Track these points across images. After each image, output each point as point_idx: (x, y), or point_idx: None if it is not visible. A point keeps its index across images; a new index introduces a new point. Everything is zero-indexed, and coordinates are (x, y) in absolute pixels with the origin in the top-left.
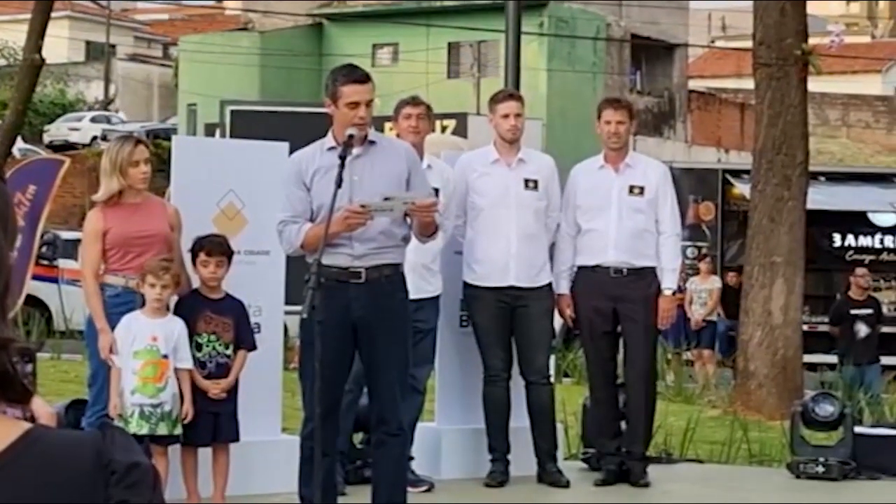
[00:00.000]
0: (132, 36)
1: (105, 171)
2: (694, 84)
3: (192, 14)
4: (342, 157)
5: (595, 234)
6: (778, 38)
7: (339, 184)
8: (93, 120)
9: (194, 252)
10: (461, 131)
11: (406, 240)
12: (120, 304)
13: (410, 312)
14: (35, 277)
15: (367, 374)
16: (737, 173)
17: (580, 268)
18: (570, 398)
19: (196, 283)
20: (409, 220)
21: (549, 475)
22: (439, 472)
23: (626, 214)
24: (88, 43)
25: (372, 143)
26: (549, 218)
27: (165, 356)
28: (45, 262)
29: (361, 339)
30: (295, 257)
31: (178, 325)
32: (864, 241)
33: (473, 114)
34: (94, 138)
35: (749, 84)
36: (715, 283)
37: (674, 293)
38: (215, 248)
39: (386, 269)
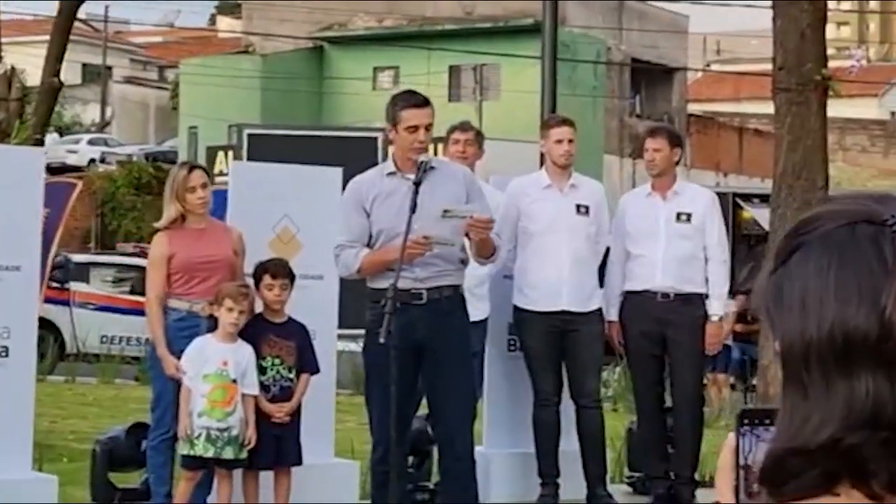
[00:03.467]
0: (128, 58)
1: (165, 198)
2: (691, 108)
3: (187, 37)
4: (417, 183)
5: (643, 260)
6: (798, 63)
7: (413, 209)
8: (90, 142)
9: (257, 276)
10: None
11: (465, 262)
12: (184, 328)
13: (470, 333)
14: (47, 300)
15: (430, 397)
16: (747, 197)
17: (628, 293)
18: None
19: (259, 308)
20: (467, 242)
21: (598, 499)
22: (488, 495)
23: (674, 241)
24: (84, 65)
25: (431, 167)
26: (598, 244)
27: (234, 381)
28: (57, 286)
29: (425, 361)
30: (349, 282)
31: (247, 351)
32: None
33: None
34: (92, 161)
35: (747, 108)
36: (729, 306)
37: (720, 319)
38: (280, 270)
39: (446, 290)
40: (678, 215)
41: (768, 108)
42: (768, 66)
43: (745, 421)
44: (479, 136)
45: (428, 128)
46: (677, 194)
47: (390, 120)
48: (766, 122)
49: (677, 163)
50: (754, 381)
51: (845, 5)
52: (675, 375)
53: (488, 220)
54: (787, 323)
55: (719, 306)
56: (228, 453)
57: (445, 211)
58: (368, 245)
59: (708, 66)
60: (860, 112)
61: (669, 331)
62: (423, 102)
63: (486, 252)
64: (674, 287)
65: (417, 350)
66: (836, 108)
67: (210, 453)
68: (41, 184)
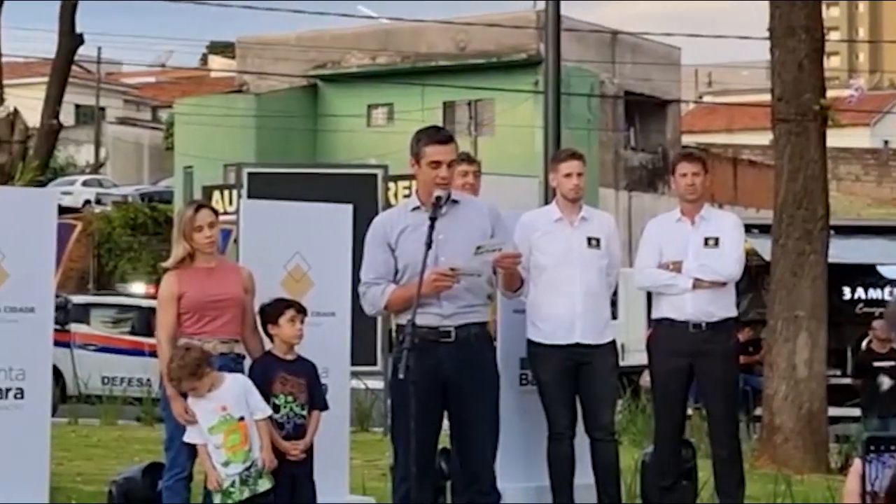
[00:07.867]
0: (121, 99)
1: (174, 238)
2: (685, 139)
3: (180, 77)
4: (433, 219)
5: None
6: (796, 93)
7: (429, 244)
8: (84, 184)
9: (278, 312)
10: None
11: (491, 298)
12: None
13: (498, 370)
14: None
15: (456, 433)
16: (745, 228)
17: (657, 322)
18: None
19: (268, 346)
20: (495, 277)
21: None
22: None
23: (703, 268)
24: (78, 106)
25: (455, 202)
26: (610, 276)
27: (241, 418)
28: (57, 327)
29: (451, 398)
30: (369, 318)
31: (238, 383)
32: (874, 293)
33: None
34: (87, 202)
35: (740, 139)
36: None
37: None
38: (303, 308)
39: (474, 328)
40: (706, 240)
41: (762, 138)
42: (760, 97)
43: (872, 448)
44: (479, 169)
45: (451, 164)
46: (704, 220)
47: (413, 154)
48: (760, 153)
49: None
50: (757, 412)
51: (835, 35)
52: (710, 407)
53: (518, 254)
54: None
55: (688, 276)
56: (264, 485)
57: (478, 247)
58: (395, 281)
59: (700, 97)
60: (852, 141)
61: (699, 362)
62: (447, 139)
63: (514, 285)
64: (704, 316)
65: (443, 387)
66: (829, 138)
67: (246, 494)
68: (54, 225)
